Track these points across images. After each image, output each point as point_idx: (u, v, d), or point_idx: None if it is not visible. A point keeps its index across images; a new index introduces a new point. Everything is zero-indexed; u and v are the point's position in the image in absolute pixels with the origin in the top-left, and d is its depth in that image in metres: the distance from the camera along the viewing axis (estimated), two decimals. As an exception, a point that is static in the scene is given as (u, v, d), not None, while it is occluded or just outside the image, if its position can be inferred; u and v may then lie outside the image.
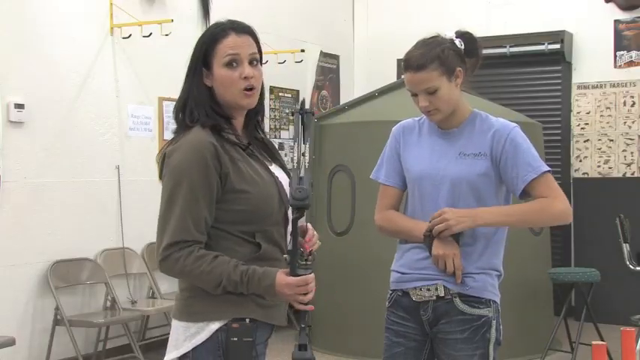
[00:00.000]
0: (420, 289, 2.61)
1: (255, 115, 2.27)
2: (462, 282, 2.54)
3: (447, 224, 2.48)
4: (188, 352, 2.11)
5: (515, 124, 2.62)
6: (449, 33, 2.60)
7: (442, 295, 2.58)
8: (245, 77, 2.14)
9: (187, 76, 2.20)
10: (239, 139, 2.18)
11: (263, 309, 2.14)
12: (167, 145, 2.18)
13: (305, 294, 2.07)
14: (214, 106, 2.16)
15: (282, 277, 2.07)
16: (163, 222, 2.09)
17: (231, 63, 2.14)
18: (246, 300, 2.11)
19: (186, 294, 2.17)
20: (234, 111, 2.19)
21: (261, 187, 2.13)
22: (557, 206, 2.54)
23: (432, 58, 2.52)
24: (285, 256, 2.16)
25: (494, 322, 2.59)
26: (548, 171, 2.56)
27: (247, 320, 2.11)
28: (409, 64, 2.55)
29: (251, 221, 2.13)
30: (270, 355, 2.30)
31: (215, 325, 2.10)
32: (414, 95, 2.58)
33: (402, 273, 2.65)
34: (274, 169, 2.25)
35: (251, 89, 2.16)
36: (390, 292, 2.72)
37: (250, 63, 2.16)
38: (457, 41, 2.59)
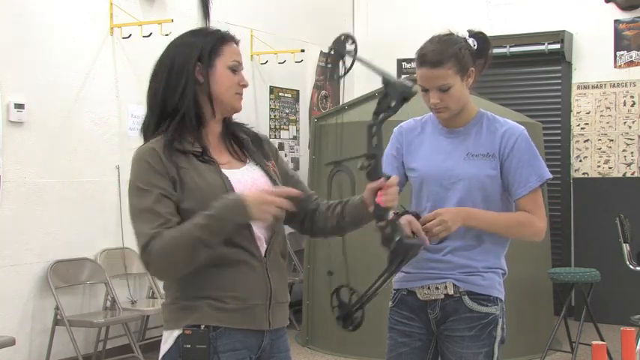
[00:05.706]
0: (429, 288, 2.61)
1: (227, 120, 2.32)
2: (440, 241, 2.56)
3: (446, 226, 2.49)
4: (161, 358, 2.15)
5: (523, 127, 2.64)
6: (461, 31, 2.60)
7: (451, 293, 2.58)
8: (242, 84, 2.25)
9: (179, 73, 2.26)
10: (194, 146, 2.18)
11: (225, 313, 2.10)
12: None
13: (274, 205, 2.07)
14: (202, 107, 2.22)
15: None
16: (135, 236, 2.11)
17: (234, 68, 2.24)
18: (202, 305, 2.09)
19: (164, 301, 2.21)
20: (221, 112, 2.25)
21: (204, 193, 2.10)
22: (538, 225, 2.61)
23: (449, 55, 2.51)
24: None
25: (500, 321, 2.60)
26: (548, 179, 2.61)
27: (202, 327, 2.08)
28: (425, 59, 2.53)
29: None
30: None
31: (176, 333, 2.10)
32: (425, 91, 2.57)
33: (407, 272, 2.65)
34: (243, 170, 2.24)
35: (241, 94, 2.27)
36: (394, 291, 2.72)
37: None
38: (470, 41, 2.58)
